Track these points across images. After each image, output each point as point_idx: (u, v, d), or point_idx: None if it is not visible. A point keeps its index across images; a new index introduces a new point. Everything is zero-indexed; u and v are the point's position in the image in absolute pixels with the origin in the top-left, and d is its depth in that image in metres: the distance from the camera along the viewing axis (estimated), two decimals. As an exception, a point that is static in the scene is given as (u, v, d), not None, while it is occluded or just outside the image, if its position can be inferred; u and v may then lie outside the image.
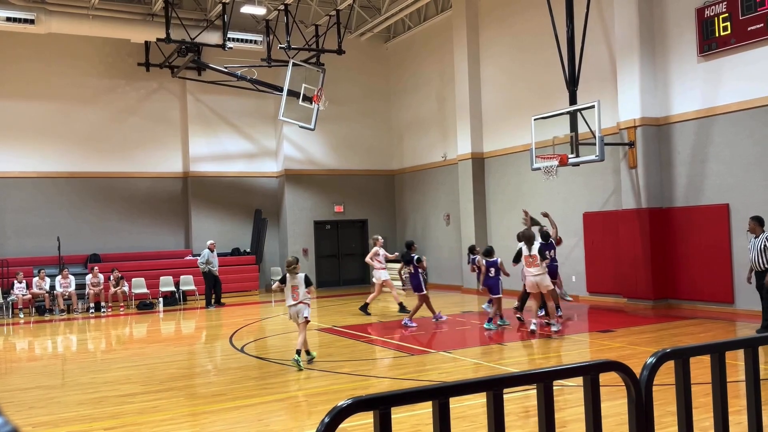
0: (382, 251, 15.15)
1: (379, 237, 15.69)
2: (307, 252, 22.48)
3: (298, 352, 9.34)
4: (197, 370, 10.33)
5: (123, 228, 21.14)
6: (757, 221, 10.66)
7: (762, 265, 10.45)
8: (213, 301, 18.48)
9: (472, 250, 14.37)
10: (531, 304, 12.51)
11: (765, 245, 10.40)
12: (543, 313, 12.19)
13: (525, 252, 11.75)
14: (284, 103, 20.43)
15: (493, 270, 12.61)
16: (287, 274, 9.53)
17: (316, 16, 21.42)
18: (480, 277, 13.31)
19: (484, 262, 12.81)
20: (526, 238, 11.83)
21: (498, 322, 12.63)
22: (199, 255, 21.04)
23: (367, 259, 15.36)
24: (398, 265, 15.39)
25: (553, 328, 11.60)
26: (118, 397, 8.05)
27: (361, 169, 23.67)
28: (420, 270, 13.40)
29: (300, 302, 9.43)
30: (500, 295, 12.60)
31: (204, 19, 20.93)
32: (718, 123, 13.33)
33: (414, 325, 13.14)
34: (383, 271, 15.11)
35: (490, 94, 19.49)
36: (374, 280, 15.47)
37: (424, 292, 13.41)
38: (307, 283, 9.50)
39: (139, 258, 20.62)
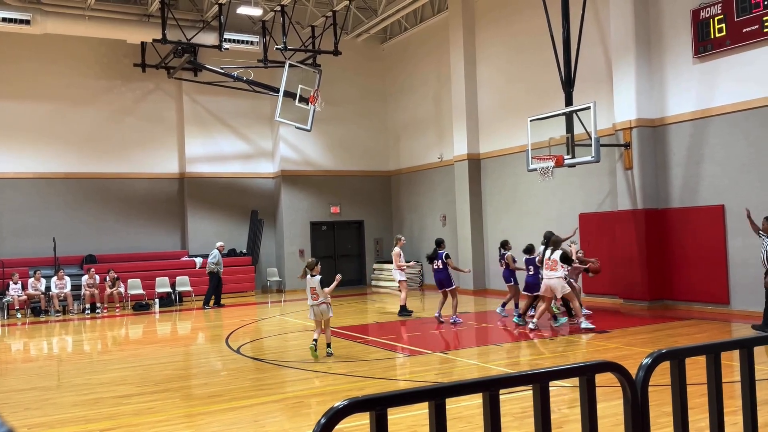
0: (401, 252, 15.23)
1: (402, 237, 15.70)
2: (303, 253, 22.47)
3: (329, 345, 10.25)
4: (193, 371, 10.31)
5: (119, 229, 21.10)
6: None
7: None
8: (212, 302, 18.49)
9: (504, 245, 14.00)
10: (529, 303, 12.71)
11: None
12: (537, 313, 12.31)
13: (547, 255, 11.90)
14: (280, 104, 20.43)
15: (531, 267, 12.78)
16: (307, 274, 10.22)
17: (313, 17, 21.42)
18: (520, 274, 13.53)
19: (524, 259, 13.09)
20: (554, 243, 11.92)
21: (505, 312, 13.17)
22: (198, 256, 21.11)
23: (400, 262, 15.18)
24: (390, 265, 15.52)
25: (583, 325, 11.72)
26: (114, 398, 8.03)
27: (357, 170, 23.67)
28: (448, 266, 13.55)
29: (322, 302, 10.11)
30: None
31: (200, 20, 20.91)
32: (714, 124, 13.36)
33: (460, 320, 13.50)
34: (401, 272, 15.14)
35: (486, 95, 19.51)
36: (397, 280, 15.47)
37: (454, 286, 13.63)
38: (323, 284, 10.14)
39: (135, 259, 20.58)
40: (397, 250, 15.22)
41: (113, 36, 19.90)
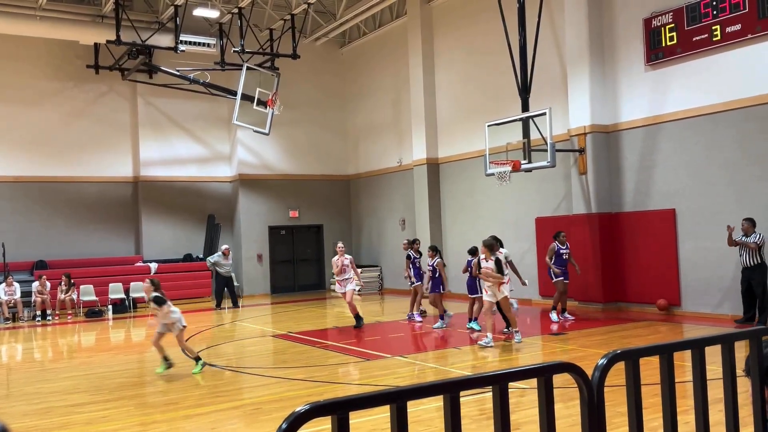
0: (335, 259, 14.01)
1: (339, 244, 14.44)
2: (262, 257, 22.27)
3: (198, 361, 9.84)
4: (148, 378, 10.11)
5: (71, 234, 20.61)
6: (751, 222, 11.59)
7: (755, 261, 11.46)
8: (228, 303, 19.07)
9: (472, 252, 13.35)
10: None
11: (758, 244, 11.48)
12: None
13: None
14: (238, 107, 20.20)
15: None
16: None
17: (271, 20, 21.28)
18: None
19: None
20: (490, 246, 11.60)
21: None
22: (152, 261, 21.02)
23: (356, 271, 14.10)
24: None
25: (480, 341, 11.05)
26: (66, 407, 7.83)
27: (316, 174, 23.58)
28: (418, 266, 14.41)
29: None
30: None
31: (156, 21, 20.57)
32: (665, 130, 13.70)
33: (419, 319, 14.26)
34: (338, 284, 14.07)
35: (444, 100, 19.66)
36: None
37: (415, 284, 14.36)
38: (157, 301, 9.74)
39: (87, 264, 20.12)
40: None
41: (65, 37, 19.46)
